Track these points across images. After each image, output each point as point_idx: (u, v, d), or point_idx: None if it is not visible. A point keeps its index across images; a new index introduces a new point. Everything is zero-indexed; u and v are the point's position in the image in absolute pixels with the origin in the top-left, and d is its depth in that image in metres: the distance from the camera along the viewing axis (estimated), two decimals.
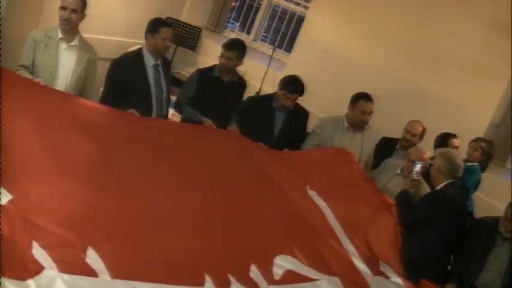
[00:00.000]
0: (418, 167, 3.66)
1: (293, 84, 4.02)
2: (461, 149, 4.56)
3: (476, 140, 4.61)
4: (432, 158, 3.75)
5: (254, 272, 2.82)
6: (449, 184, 3.51)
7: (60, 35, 3.43)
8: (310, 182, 3.69)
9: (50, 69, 3.40)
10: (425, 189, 3.77)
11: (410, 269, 3.37)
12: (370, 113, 4.12)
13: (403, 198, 3.61)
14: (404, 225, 3.52)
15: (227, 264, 2.76)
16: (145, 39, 3.79)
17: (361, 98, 4.09)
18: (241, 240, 2.98)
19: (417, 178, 3.66)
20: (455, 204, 3.48)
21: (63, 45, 3.45)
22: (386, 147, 4.49)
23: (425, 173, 3.77)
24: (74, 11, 3.42)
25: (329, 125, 4.20)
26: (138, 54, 3.80)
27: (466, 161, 4.39)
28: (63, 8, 3.41)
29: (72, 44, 3.48)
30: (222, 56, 4.05)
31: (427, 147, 4.43)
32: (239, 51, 4.08)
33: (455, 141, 4.49)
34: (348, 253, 3.34)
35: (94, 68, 3.67)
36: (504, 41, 5.08)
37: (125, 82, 3.69)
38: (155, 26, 3.74)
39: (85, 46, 3.59)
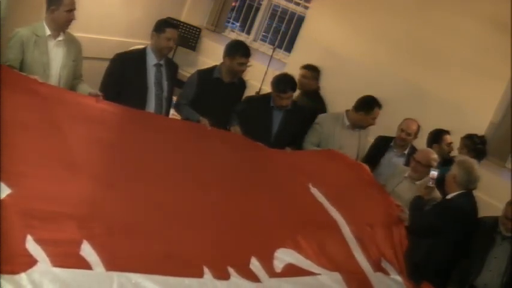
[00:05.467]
0: (433, 174, 3.64)
1: (283, 84, 4.03)
2: (454, 145, 4.57)
3: (464, 137, 4.59)
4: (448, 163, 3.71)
5: (254, 265, 2.83)
6: (462, 194, 3.49)
7: (48, 32, 3.43)
8: (312, 180, 3.71)
9: (43, 67, 3.40)
10: (436, 193, 3.78)
11: (413, 271, 3.38)
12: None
13: (417, 204, 3.61)
14: (413, 230, 3.53)
15: (226, 256, 2.76)
16: (151, 38, 3.83)
17: (376, 106, 4.20)
18: (241, 234, 2.99)
19: (432, 185, 3.66)
20: (466, 215, 3.47)
21: (51, 42, 3.46)
22: (382, 145, 4.53)
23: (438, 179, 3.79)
24: (74, 10, 3.46)
25: (330, 122, 4.26)
26: (141, 52, 3.85)
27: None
28: (71, 10, 3.43)
29: (59, 39, 3.49)
30: (242, 64, 4.01)
31: (423, 146, 4.46)
32: (250, 54, 4.10)
33: (448, 138, 4.50)
34: (350, 248, 3.35)
35: (81, 56, 3.70)
36: (504, 41, 5.07)
37: (123, 77, 3.73)
38: (162, 25, 3.81)
39: (70, 38, 3.60)
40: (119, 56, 3.83)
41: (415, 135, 4.44)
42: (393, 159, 4.44)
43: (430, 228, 3.46)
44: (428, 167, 3.85)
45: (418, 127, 4.44)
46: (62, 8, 3.40)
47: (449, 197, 3.57)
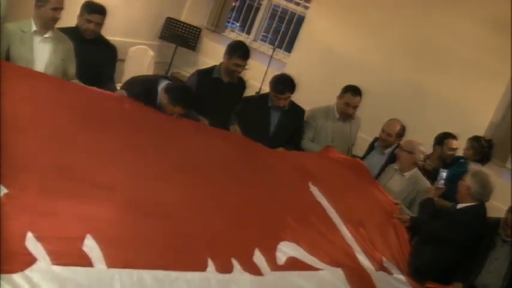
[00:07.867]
0: (443, 175, 3.68)
1: (281, 85, 4.03)
2: (459, 150, 4.55)
3: (471, 138, 4.58)
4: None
5: (258, 257, 2.84)
6: (473, 207, 3.43)
7: (34, 28, 3.40)
8: (312, 179, 3.72)
9: (27, 63, 3.35)
10: (426, 183, 3.86)
11: (415, 274, 3.37)
12: (354, 107, 4.22)
13: (427, 207, 3.59)
14: (420, 235, 3.52)
15: (231, 248, 2.77)
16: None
17: (349, 91, 4.20)
18: (245, 226, 3.00)
19: (442, 186, 3.67)
20: (475, 230, 3.41)
21: (37, 38, 3.42)
22: (372, 144, 4.46)
23: (424, 169, 3.88)
24: (61, 9, 3.43)
25: (321, 115, 4.30)
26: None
27: (461, 158, 4.39)
28: (57, 8, 3.39)
29: (46, 36, 3.45)
30: (238, 65, 4.01)
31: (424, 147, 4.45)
32: (249, 57, 4.10)
33: (454, 143, 4.43)
34: (350, 248, 3.36)
35: (72, 56, 3.63)
36: (504, 41, 5.08)
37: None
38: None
39: (59, 37, 3.55)
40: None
41: (397, 136, 4.28)
42: (374, 158, 4.35)
43: (436, 238, 3.43)
44: (418, 153, 3.95)
45: (402, 128, 4.30)
46: (48, 6, 3.36)
47: (459, 207, 3.49)
